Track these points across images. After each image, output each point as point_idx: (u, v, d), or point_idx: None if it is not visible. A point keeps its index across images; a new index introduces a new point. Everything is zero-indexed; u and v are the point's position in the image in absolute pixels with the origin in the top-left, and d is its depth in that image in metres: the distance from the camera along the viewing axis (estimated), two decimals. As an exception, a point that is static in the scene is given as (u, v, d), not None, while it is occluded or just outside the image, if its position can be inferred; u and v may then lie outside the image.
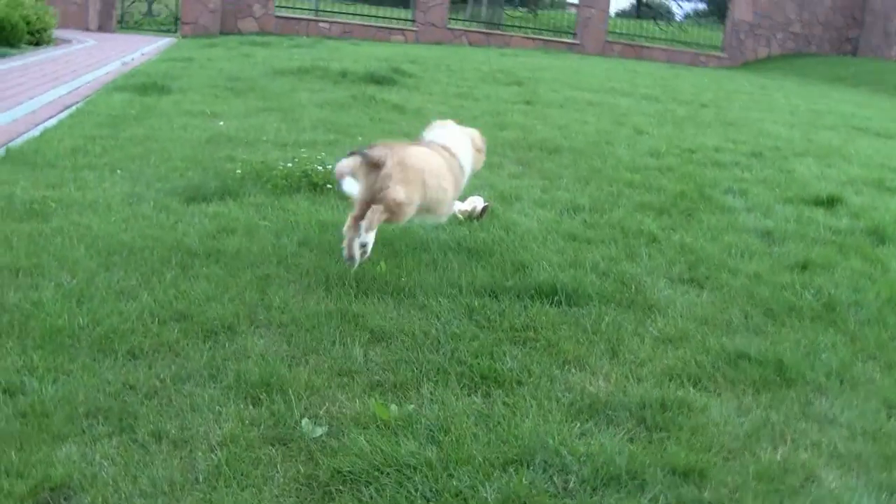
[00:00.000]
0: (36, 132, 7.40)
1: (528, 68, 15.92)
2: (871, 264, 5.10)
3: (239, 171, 5.92)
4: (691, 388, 3.34)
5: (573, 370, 3.40)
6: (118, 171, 5.97)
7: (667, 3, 39.85)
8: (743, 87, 17.72)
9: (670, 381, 3.40)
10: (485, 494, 2.54)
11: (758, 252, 5.12)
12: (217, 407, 2.98)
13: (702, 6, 40.66)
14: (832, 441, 3.12)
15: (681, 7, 37.77)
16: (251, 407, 3.00)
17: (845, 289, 4.60)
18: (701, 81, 17.79)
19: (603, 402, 3.17)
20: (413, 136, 7.84)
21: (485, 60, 16.51)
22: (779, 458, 2.95)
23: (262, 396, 3.05)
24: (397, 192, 4.03)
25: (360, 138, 7.47)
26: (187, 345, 3.42)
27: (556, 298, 4.04)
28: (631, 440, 2.96)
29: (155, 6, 23.99)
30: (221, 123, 8.08)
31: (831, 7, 27.80)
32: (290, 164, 5.93)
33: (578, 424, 3.00)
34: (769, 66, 25.92)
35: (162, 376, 3.16)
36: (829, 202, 6.56)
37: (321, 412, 3.00)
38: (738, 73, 24.37)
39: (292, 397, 3.05)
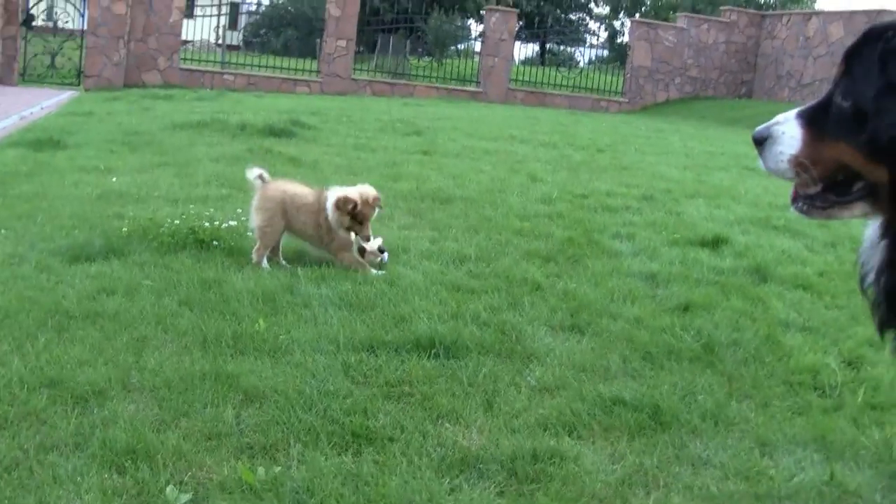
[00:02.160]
0: (-82, 194, 7.16)
1: (430, 117, 16.04)
2: (752, 303, 5.22)
3: (126, 228, 5.80)
4: (566, 437, 3.36)
5: (447, 424, 3.39)
6: (2, 231, 5.80)
7: (570, 50, 40.67)
8: (640, 130, 18.12)
9: (544, 430, 3.41)
10: (347, 558, 2.50)
11: (641, 296, 5.20)
12: (79, 478, 2.88)
13: (604, 52, 41.64)
14: (705, 483, 3.16)
15: (581, 54, 38.47)
16: (115, 476, 2.91)
17: (725, 329, 4.69)
18: (599, 126, 18.15)
19: (475, 455, 3.16)
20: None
21: (386, 110, 16.59)
22: (651, 503, 2.98)
23: (127, 464, 2.97)
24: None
25: (252, 193, 7.39)
26: (55, 412, 3.31)
27: (433, 351, 4.03)
28: (501, 493, 2.95)
29: (58, 59, 23.53)
30: (114, 179, 7.94)
31: (726, 52, 28.75)
32: (177, 221, 5.84)
33: (448, 480, 2.99)
34: (668, 110, 26.58)
35: (25, 447, 3.04)
36: (715, 243, 6.70)
37: (187, 478, 2.93)
38: (637, 117, 24.93)
39: (159, 464, 2.98)
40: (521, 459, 3.14)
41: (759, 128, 2.28)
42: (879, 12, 22.47)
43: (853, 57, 2.19)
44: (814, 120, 2.21)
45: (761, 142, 2.27)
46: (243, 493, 2.84)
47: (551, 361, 4.07)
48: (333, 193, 5.42)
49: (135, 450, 3.05)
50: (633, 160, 12.16)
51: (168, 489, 2.82)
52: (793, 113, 2.27)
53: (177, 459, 3.03)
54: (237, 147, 10.16)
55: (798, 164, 2.20)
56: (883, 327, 2.20)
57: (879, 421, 3.69)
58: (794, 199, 2.33)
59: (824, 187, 2.25)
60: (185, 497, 2.80)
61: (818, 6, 53.64)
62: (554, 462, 3.14)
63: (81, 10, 23.33)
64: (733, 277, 5.75)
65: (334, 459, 3.07)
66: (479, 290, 5.05)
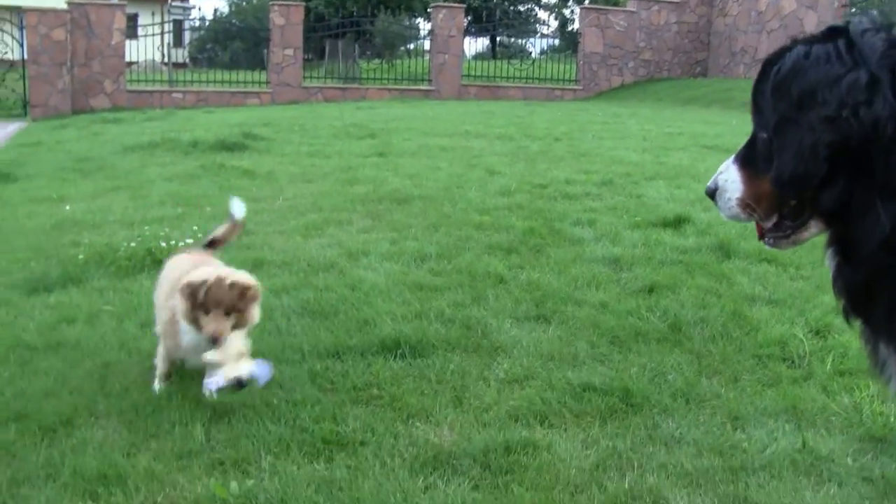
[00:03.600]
0: None
1: (383, 119, 15.99)
2: (717, 280, 5.24)
3: (82, 256, 5.73)
4: (537, 427, 3.36)
5: (417, 423, 3.38)
6: (-44, 269, 5.71)
7: (521, 41, 40.71)
8: (596, 117, 18.17)
9: (516, 422, 3.41)
10: (325, 565, 2.48)
11: (605, 281, 5.21)
12: (52, 508, 2.85)
13: (555, 42, 41.70)
14: (679, 461, 3.17)
15: (533, 45, 38.53)
16: (89, 503, 2.88)
17: (691, 307, 4.71)
18: (555, 115, 18.17)
19: (447, 452, 3.15)
20: (264, 201, 7.85)
21: (339, 116, 16.52)
22: (626, 485, 2.99)
23: (100, 490, 2.94)
24: None
25: (208, 209, 7.35)
26: (24, 445, 3.27)
27: (399, 352, 4.02)
28: (476, 487, 2.95)
29: (1, 91, 23.18)
30: (68, 207, 7.85)
31: (678, 32, 28.84)
32: (133, 244, 5.79)
33: (422, 479, 2.98)
34: (623, 95, 26.67)
35: (-3, 482, 3.00)
36: (677, 223, 6.72)
37: (161, 499, 2.90)
38: (593, 103, 25.00)
39: (131, 487, 2.95)
40: (493, 452, 3.14)
41: (708, 183, 2.36)
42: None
43: (756, 92, 2.25)
44: (747, 160, 2.28)
45: (713, 195, 2.35)
46: (217, 509, 2.81)
47: (518, 353, 4.07)
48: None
49: (106, 475, 3.02)
50: (590, 147, 12.19)
51: (142, 512, 2.80)
52: (731, 158, 2.34)
53: (149, 481, 3.00)
54: (190, 164, 10.07)
55: (744, 205, 2.27)
56: (848, 319, 2.27)
57: (848, 387, 3.73)
58: (761, 237, 2.39)
59: (779, 218, 2.30)
60: (160, 518, 2.78)
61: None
62: (527, 452, 3.14)
63: (20, 40, 22.98)
64: (697, 256, 5.77)
65: (306, 468, 3.05)
66: (441, 287, 5.04)
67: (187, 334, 3.62)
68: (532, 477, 2.97)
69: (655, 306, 4.69)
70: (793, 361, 4.02)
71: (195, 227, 6.24)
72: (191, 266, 3.79)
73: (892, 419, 3.37)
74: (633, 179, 9.08)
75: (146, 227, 6.52)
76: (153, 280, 5.22)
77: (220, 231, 4.31)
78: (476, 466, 3.07)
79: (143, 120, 17.68)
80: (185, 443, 3.27)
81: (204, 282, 3.50)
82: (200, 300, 3.49)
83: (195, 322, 3.54)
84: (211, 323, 3.49)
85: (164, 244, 5.72)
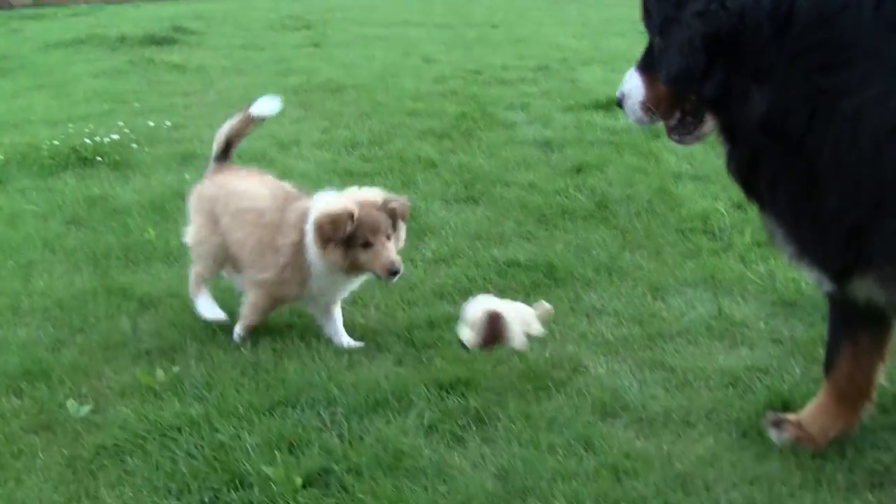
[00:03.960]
0: None
1: (320, 10, 15.60)
2: (645, 158, 5.28)
3: (2, 156, 5.60)
4: (462, 303, 3.39)
5: (344, 306, 3.39)
6: None
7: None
8: (537, 2, 17.93)
9: (441, 299, 3.46)
10: (248, 441, 2.53)
11: (535, 162, 5.23)
12: (-26, 408, 2.85)
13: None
14: (599, 331, 3.25)
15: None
16: (14, 398, 2.88)
17: (618, 185, 4.77)
18: (495, 2, 17.90)
19: (373, 330, 3.21)
20: (194, 95, 7.69)
21: (274, 7, 16.08)
22: (547, 354, 3.06)
23: (23, 386, 2.94)
24: None
25: (136, 104, 7.20)
26: (-55, 348, 3.25)
27: (326, 239, 4.02)
28: (400, 362, 3.01)
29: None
30: (-13, 108, 7.63)
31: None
32: (57, 142, 5.66)
33: (347, 357, 3.03)
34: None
35: (-85, 385, 2.99)
36: (609, 105, 6.67)
37: (86, 391, 2.92)
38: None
39: (55, 381, 2.96)
40: (417, 329, 3.20)
41: (616, 93, 2.46)
42: None
43: None
44: (646, 66, 2.36)
45: (621, 103, 2.44)
46: (143, 396, 2.84)
47: (446, 233, 4.11)
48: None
49: (30, 371, 3.02)
50: (528, 32, 12.06)
51: (69, 403, 2.81)
52: (634, 66, 2.42)
53: (74, 374, 3.01)
54: (118, 60, 9.78)
55: (646, 108, 2.37)
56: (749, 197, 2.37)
57: (764, 256, 3.81)
58: (669, 134, 2.47)
59: (681, 115, 2.39)
60: (86, 409, 2.79)
61: None
62: (450, 327, 3.18)
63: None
64: (627, 136, 5.79)
65: (233, 353, 3.09)
66: (371, 172, 5.02)
67: (322, 275, 3.14)
68: (454, 350, 3.02)
69: (583, 185, 4.74)
70: (714, 234, 4.09)
71: (121, 123, 6.12)
72: (249, 187, 3.34)
73: (804, 285, 3.46)
74: (570, 64, 9.03)
75: (70, 126, 6.37)
76: (79, 177, 5.15)
77: (229, 127, 3.58)
78: (400, 342, 3.13)
79: (67, 16, 17.07)
80: (111, 336, 3.28)
81: (346, 210, 3.02)
82: (350, 230, 3.01)
83: (342, 258, 3.04)
84: (382, 251, 3.04)
85: (88, 141, 5.61)
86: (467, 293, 3.47)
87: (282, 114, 6.63)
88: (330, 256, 3.03)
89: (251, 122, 3.59)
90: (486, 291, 3.47)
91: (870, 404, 2.59)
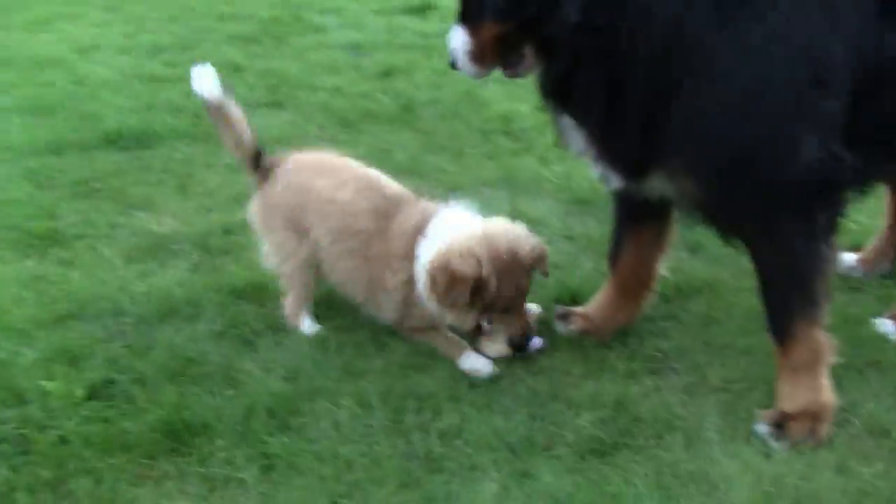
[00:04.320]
0: None
1: None
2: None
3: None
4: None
5: (139, 214, 3.34)
6: None
7: None
8: None
9: (238, 205, 3.39)
10: (29, 355, 2.46)
11: (343, 66, 5.19)
12: None
13: None
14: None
15: None
16: None
17: (425, 89, 4.78)
18: None
19: (168, 238, 3.16)
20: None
21: None
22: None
23: None
24: None
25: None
26: None
27: (123, 144, 3.91)
28: (195, 269, 2.98)
29: None
30: None
31: None
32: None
33: (140, 266, 2.97)
34: None
35: None
36: (421, 9, 6.67)
37: None
38: None
39: None
40: (213, 235, 3.17)
41: (449, 59, 2.42)
42: None
43: None
44: (466, 17, 2.34)
45: (452, 65, 2.41)
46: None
47: (248, 138, 4.04)
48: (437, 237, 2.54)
49: None
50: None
51: None
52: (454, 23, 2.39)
53: None
54: None
55: (475, 57, 2.35)
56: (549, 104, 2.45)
57: (562, 157, 3.90)
58: (504, 72, 2.45)
59: (508, 53, 2.36)
60: None
61: None
62: (246, 234, 3.15)
63: None
64: (437, 40, 5.76)
65: (15, 265, 2.97)
66: (174, 78, 4.86)
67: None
68: (250, 256, 3.00)
69: (390, 89, 4.74)
70: (515, 136, 4.18)
71: None
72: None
73: (599, 184, 3.59)
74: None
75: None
76: None
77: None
78: (196, 250, 3.09)
79: None
80: None
81: (475, 271, 2.34)
82: (487, 301, 2.41)
83: (468, 320, 2.49)
84: (511, 326, 2.49)
85: None
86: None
87: (82, 17, 6.41)
88: (451, 314, 2.48)
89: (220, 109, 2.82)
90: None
91: (651, 295, 2.74)
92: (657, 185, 2.32)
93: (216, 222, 3.25)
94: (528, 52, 2.30)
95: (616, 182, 2.39)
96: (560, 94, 2.32)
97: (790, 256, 2.23)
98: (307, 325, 2.66)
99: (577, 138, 2.36)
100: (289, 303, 2.68)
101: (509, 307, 2.44)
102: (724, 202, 2.24)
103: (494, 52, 2.34)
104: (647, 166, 2.27)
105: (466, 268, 2.35)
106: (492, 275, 2.36)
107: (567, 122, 2.36)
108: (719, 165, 2.17)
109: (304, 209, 2.64)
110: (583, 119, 2.31)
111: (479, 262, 2.36)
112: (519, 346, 2.47)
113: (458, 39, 2.35)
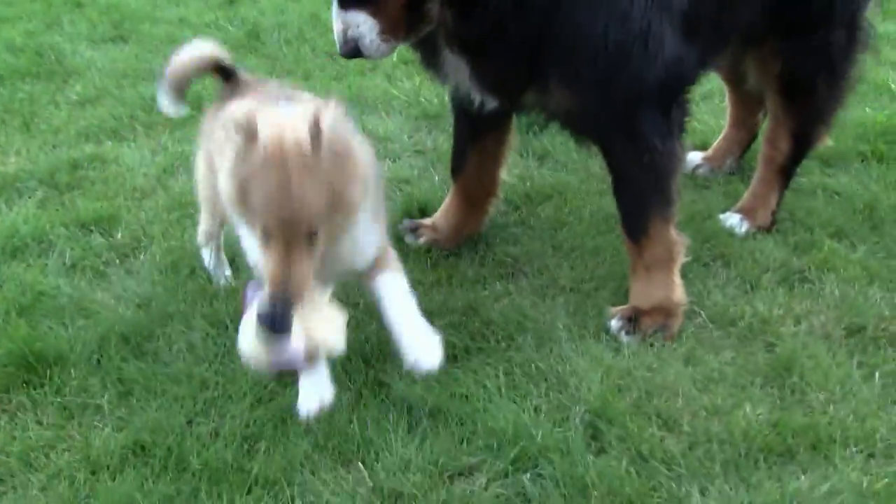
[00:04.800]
0: None
1: None
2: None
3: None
4: (107, 142, 3.38)
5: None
6: None
7: None
8: None
9: (85, 140, 3.40)
10: None
11: (183, -4, 5.12)
12: None
13: None
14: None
15: None
16: None
17: (270, 14, 4.79)
18: None
19: (12, 176, 3.11)
20: None
21: None
22: (189, 186, 3.08)
23: None
24: None
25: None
26: None
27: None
28: (42, 205, 2.96)
29: None
30: None
31: None
32: None
33: (-21, 208, 2.95)
34: None
35: None
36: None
37: None
38: None
39: None
40: (60, 171, 3.14)
41: (339, 50, 2.27)
42: None
43: None
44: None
45: (356, 52, 2.24)
46: None
47: (92, 75, 3.99)
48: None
49: None
50: None
51: None
52: (342, 12, 2.22)
53: None
54: None
55: (386, 35, 2.20)
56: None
57: (409, 74, 3.99)
58: (410, 40, 2.35)
59: (417, 21, 2.25)
60: None
61: None
62: (94, 167, 3.17)
63: None
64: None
65: None
66: (13, 17, 4.73)
67: None
68: (98, 188, 3.02)
69: (235, 16, 4.73)
70: (361, 55, 4.22)
71: None
72: None
73: (447, 99, 3.68)
74: None
75: None
76: None
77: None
78: (42, 186, 3.06)
79: None
80: None
81: None
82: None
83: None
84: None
85: None
86: (113, 133, 3.46)
87: None
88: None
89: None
90: (132, 128, 3.48)
91: (497, 201, 2.85)
92: (530, 101, 2.38)
93: (63, 158, 3.22)
94: (433, 7, 2.21)
95: (492, 104, 2.42)
96: (460, 37, 2.27)
97: (649, 155, 2.31)
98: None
99: (460, 72, 2.35)
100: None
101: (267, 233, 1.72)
102: (592, 108, 2.29)
103: (406, 25, 2.23)
104: (526, 87, 2.32)
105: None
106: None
107: (450, 58, 2.34)
108: (594, 73, 2.22)
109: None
110: (473, 55, 2.30)
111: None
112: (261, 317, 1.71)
113: (364, 25, 2.20)
